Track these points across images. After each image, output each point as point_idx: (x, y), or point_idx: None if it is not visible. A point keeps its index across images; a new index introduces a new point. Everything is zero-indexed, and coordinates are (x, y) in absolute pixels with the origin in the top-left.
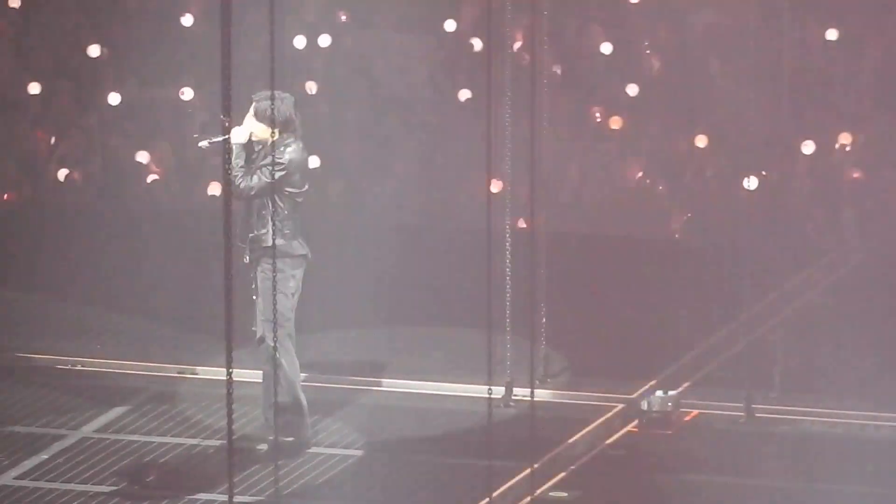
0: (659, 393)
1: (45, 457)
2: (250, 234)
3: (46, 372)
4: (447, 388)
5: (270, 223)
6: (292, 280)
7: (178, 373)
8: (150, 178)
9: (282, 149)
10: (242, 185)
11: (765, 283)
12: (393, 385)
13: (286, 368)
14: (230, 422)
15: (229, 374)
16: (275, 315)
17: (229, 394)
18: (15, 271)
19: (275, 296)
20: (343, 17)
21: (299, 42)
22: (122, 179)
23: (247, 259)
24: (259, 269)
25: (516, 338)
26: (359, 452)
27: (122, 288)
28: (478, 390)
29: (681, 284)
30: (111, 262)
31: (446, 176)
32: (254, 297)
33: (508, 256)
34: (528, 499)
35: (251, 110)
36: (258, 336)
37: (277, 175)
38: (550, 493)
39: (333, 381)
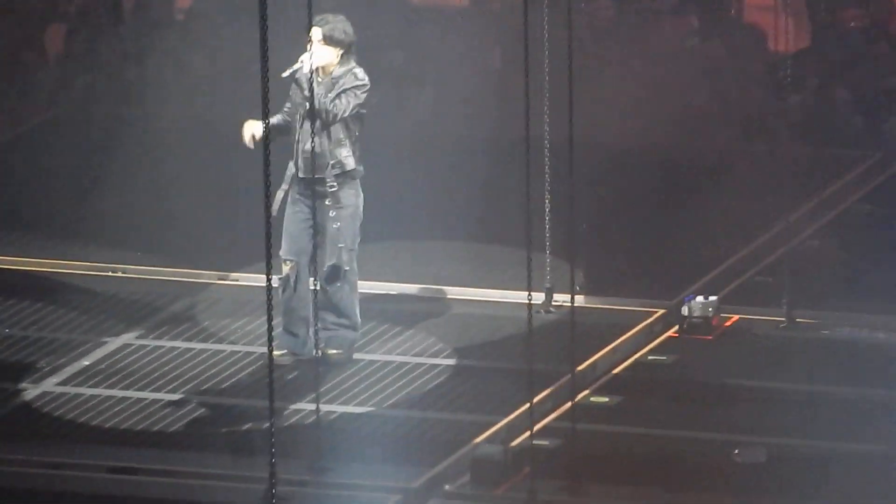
0: (699, 298)
1: (87, 363)
2: (331, 161)
3: (88, 279)
4: (487, 294)
5: (348, 146)
6: (361, 201)
7: (218, 279)
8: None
9: (357, 70)
10: (335, 110)
11: (806, 188)
12: (435, 292)
13: (344, 292)
14: (269, 329)
15: (268, 281)
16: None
17: (269, 301)
18: (57, 181)
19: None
20: None
21: None
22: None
23: (334, 186)
24: (335, 195)
25: (556, 248)
26: (401, 359)
27: (162, 194)
28: (518, 296)
29: (722, 192)
30: (154, 169)
31: (485, 85)
32: (302, 224)
33: (548, 167)
34: (569, 404)
35: (316, 35)
36: (328, 265)
37: (363, 96)
38: (591, 399)
39: (376, 288)
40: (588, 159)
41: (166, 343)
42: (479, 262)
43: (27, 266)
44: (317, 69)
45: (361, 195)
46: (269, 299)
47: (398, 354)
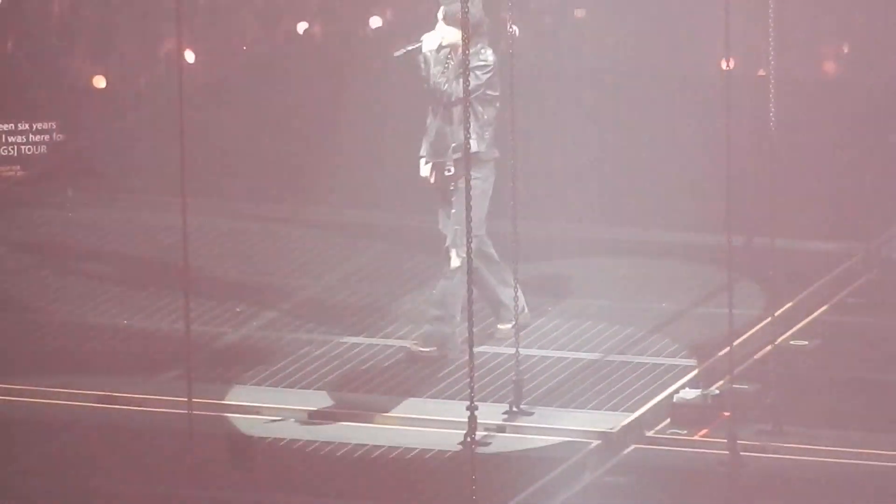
0: None
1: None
2: (453, 144)
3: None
4: (679, 236)
5: (476, 128)
6: (491, 185)
7: None
8: None
9: (483, 51)
10: (451, 89)
11: None
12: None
13: (458, 280)
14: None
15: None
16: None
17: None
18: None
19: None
20: None
21: None
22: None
23: (451, 170)
24: (458, 178)
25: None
26: (599, 302)
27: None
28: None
29: None
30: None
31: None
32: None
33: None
34: (769, 347)
35: (440, 14)
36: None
37: (484, 77)
38: (791, 342)
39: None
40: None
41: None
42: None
43: None
44: (448, 49)
45: (490, 179)
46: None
47: (594, 298)
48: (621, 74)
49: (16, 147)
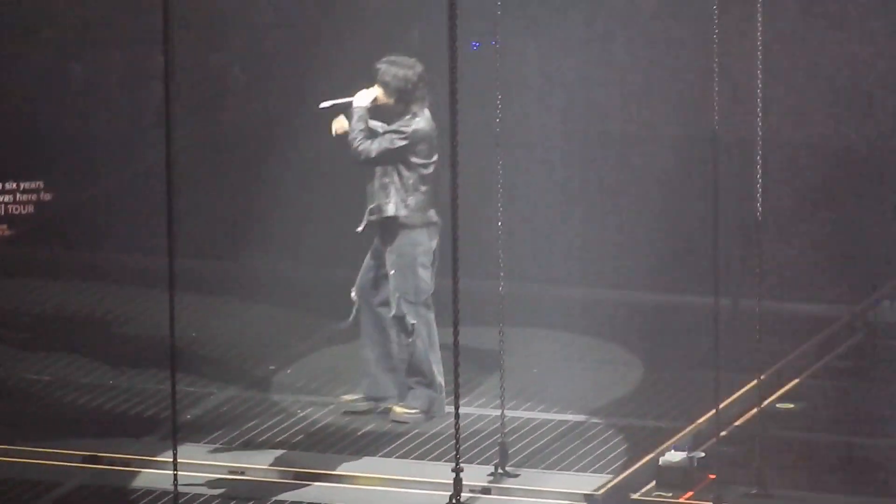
0: (887, 303)
1: None
2: (371, 205)
3: None
4: (665, 297)
5: (395, 193)
6: (425, 253)
7: None
8: None
9: (408, 118)
10: (360, 149)
11: None
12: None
13: (418, 346)
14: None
15: None
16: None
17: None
18: None
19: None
20: None
21: None
22: None
23: (360, 228)
24: (389, 242)
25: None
26: (584, 362)
27: None
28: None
29: None
30: None
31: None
32: (370, 262)
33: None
34: (755, 410)
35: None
36: (356, 304)
37: (397, 144)
38: (777, 405)
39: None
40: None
41: None
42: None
43: None
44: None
45: (423, 245)
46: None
47: (577, 359)
48: (606, 134)
49: (2, 206)
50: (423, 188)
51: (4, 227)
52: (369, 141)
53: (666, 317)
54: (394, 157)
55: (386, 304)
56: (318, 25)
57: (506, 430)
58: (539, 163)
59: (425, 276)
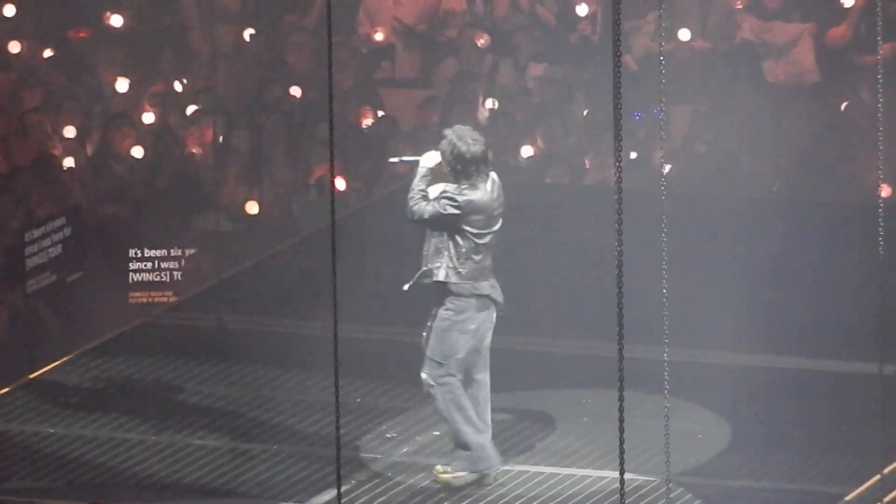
0: None
1: None
2: (423, 267)
3: None
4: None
5: (446, 259)
6: (472, 322)
7: None
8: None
9: (464, 187)
10: (415, 209)
11: None
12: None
13: (440, 406)
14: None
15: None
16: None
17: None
18: None
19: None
20: None
21: None
22: None
23: (406, 286)
24: (437, 305)
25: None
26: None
27: None
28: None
29: None
30: None
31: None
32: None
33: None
34: None
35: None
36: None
37: (449, 211)
38: None
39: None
40: None
41: None
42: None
43: None
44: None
45: (466, 314)
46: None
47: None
48: (763, 201)
49: (168, 273)
50: (477, 257)
51: (170, 293)
52: (425, 202)
53: (824, 381)
54: (446, 223)
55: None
56: None
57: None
58: (698, 227)
59: (460, 341)
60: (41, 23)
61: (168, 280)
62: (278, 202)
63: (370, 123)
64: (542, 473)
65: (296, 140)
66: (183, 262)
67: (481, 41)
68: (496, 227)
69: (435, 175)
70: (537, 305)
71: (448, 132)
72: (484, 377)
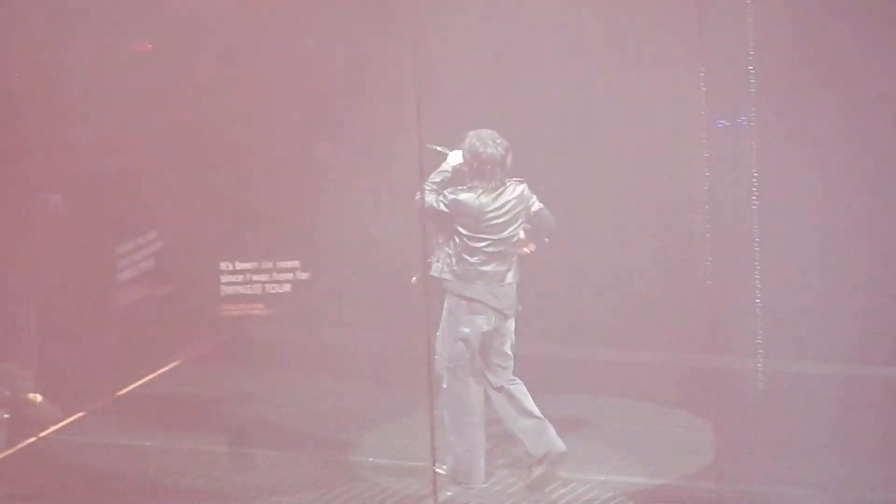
0: None
1: None
2: (427, 258)
3: None
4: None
5: (444, 255)
6: (464, 325)
7: None
8: None
9: (462, 187)
10: (417, 198)
11: None
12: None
13: (448, 409)
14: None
15: None
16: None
17: None
18: None
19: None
20: None
21: None
22: None
23: (414, 279)
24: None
25: None
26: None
27: None
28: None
29: None
30: None
31: None
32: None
33: None
34: None
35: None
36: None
37: (439, 207)
38: None
39: None
40: None
41: None
42: None
43: None
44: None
45: (466, 317)
46: None
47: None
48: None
49: (260, 285)
50: (472, 259)
51: (261, 306)
52: (432, 195)
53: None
54: (438, 220)
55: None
56: None
57: None
58: (792, 236)
59: (457, 346)
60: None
61: (260, 293)
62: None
63: None
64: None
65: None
66: (274, 274)
67: None
68: (498, 236)
69: (455, 175)
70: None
71: (471, 133)
72: (512, 388)
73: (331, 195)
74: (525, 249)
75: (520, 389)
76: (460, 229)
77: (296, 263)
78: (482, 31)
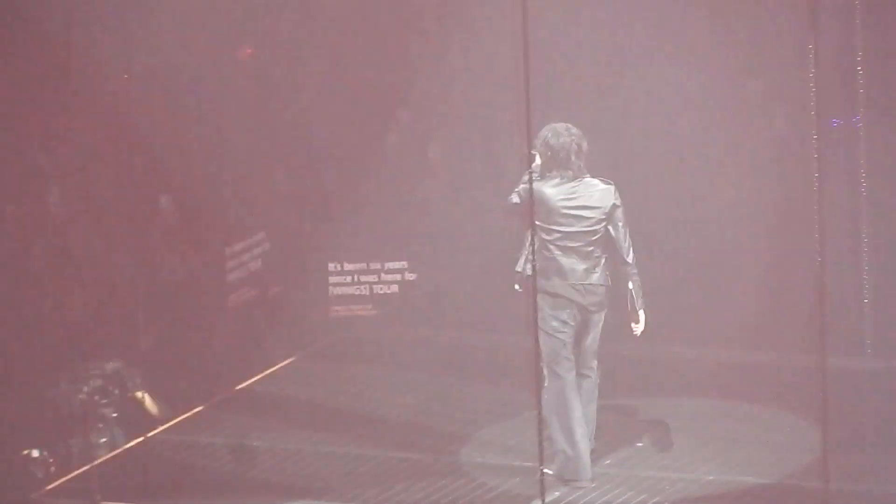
0: None
1: None
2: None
3: None
4: None
5: (527, 251)
6: (551, 320)
7: None
8: None
9: (535, 175)
10: (508, 198)
11: None
12: None
13: (547, 406)
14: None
15: None
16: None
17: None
18: None
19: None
20: None
21: None
22: None
23: (517, 287)
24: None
25: None
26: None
27: None
28: None
29: None
30: None
31: None
32: None
33: None
34: None
35: None
36: None
37: (513, 199)
38: None
39: None
40: None
41: None
42: None
43: None
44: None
45: (550, 313)
46: None
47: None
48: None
49: (367, 286)
50: (549, 255)
51: (369, 306)
52: (515, 193)
53: None
54: (516, 212)
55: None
56: None
57: None
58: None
59: (547, 341)
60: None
61: (368, 293)
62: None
63: None
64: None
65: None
66: (382, 275)
67: None
68: (572, 228)
69: (542, 175)
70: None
71: (545, 127)
72: (584, 382)
73: (439, 195)
74: (633, 325)
75: (589, 388)
76: (537, 221)
77: (403, 264)
78: (592, 33)
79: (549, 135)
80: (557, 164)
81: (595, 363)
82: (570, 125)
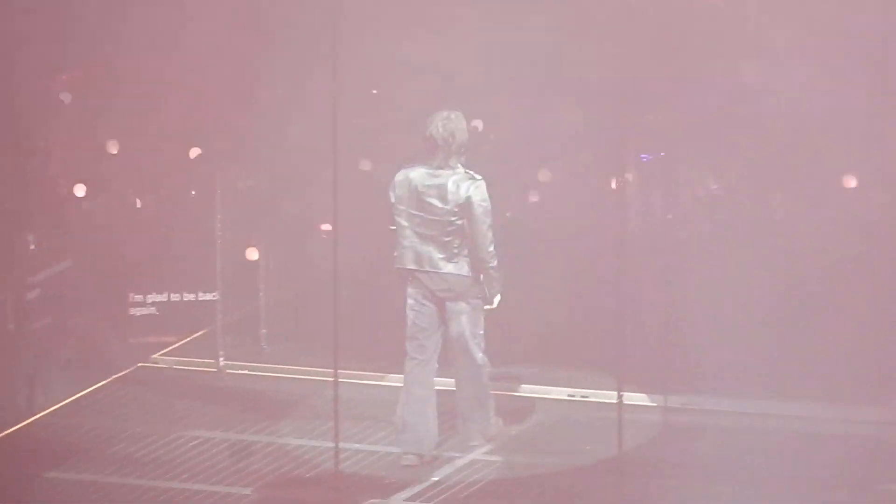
0: None
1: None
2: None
3: None
4: None
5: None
6: (408, 297)
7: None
8: None
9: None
10: None
11: None
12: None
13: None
14: None
15: None
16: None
17: None
18: None
19: None
20: None
21: None
22: None
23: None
24: None
25: None
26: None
27: None
28: None
29: None
30: None
31: None
32: None
33: None
34: None
35: None
36: None
37: (390, 197)
38: None
39: None
40: None
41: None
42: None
43: None
44: None
45: (407, 288)
46: None
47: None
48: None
49: None
50: (410, 238)
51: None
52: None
53: None
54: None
55: None
56: None
57: None
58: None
59: (407, 318)
60: None
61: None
62: None
63: None
64: None
65: None
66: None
67: None
68: (431, 217)
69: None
70: None
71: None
72: (461, 371)
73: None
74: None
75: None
76: (400, 206)
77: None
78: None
79: (429, 121)
80: (427, 150)
81: (478, 356)
82: (455, 114)
